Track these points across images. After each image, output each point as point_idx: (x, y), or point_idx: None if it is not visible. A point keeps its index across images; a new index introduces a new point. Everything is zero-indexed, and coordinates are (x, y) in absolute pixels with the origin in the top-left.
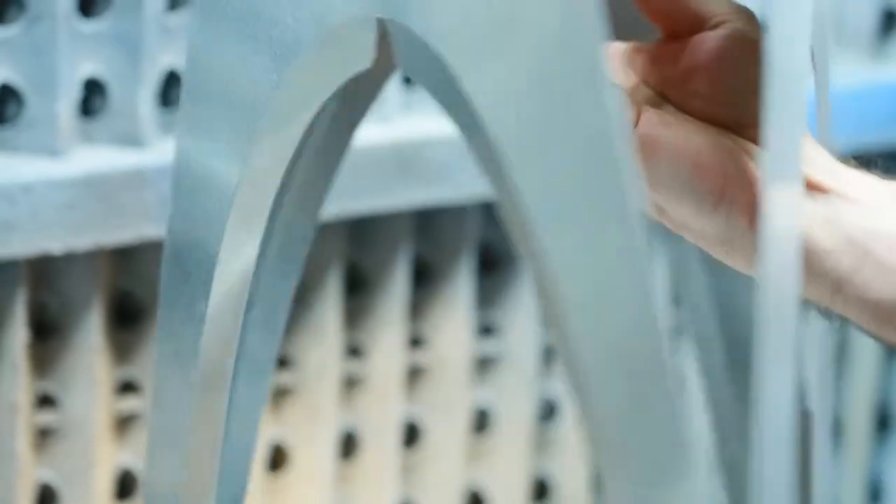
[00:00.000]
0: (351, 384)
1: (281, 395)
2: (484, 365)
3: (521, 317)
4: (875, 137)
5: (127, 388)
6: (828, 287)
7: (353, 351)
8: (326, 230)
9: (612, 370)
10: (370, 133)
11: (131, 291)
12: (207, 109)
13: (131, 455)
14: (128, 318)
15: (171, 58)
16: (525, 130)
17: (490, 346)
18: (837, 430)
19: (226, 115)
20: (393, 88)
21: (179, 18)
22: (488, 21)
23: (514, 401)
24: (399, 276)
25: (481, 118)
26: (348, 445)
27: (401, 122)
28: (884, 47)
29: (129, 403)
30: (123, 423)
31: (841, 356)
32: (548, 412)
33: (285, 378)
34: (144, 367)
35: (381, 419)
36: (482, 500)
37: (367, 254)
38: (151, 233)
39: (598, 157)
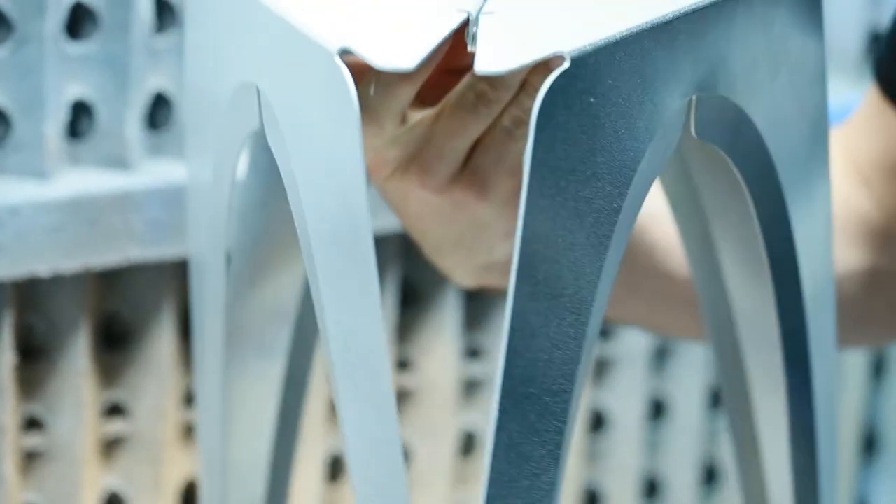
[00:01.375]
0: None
1: None
2: (471, 388)
3: None
4: None
5: (114, 410)
6: None
7: None
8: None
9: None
10: None
11: (118, 314)
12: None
13: (118, 478)
14: (115, 340)
15: (158, 80)
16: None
17: (477, 369)
18: None
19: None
20: None
21: (167, 41)
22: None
23: None
24: (387, 298)
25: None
26: (335, 468)
27: None
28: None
29: (116, 426)
30: (110, 446)
31: None
32: None
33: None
34: (131, 389)
35: None
36: None
37: None
38: (138, 255)
39: None
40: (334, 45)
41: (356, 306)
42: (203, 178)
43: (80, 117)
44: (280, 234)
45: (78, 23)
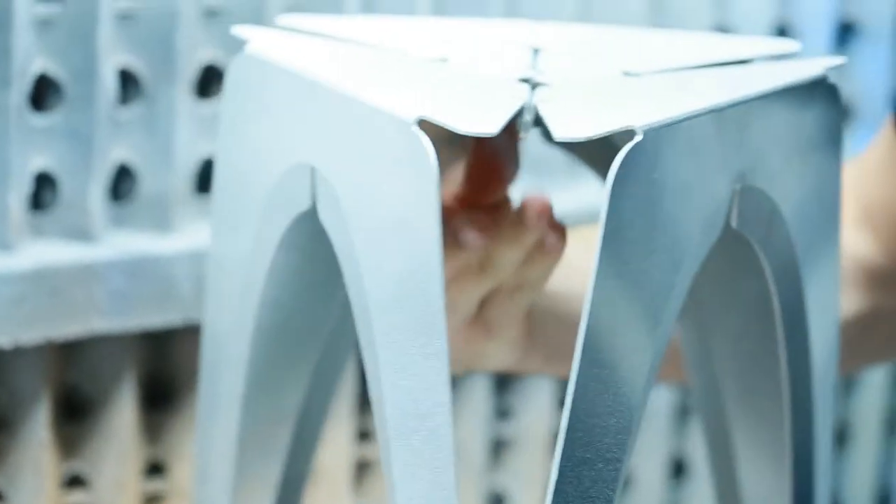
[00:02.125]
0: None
1: None
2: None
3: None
4: None
5: (74, 481)
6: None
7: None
8: None
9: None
10: None
11: (79, 386)
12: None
13: None
14: (75, 412)
15: (122, 152)
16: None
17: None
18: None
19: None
20: None
21: (130, 112)
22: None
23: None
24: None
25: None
26: None
27: None
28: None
29: (76, 497)
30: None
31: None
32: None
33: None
34: (91, 460)
35: None
36: None
37: None
38: (100, 327)
39: None
40: (411, 115)
41: (420, 369)
42: (236, 256)
43: (43, 189)
44: (301, 321)
45: (42, 95)
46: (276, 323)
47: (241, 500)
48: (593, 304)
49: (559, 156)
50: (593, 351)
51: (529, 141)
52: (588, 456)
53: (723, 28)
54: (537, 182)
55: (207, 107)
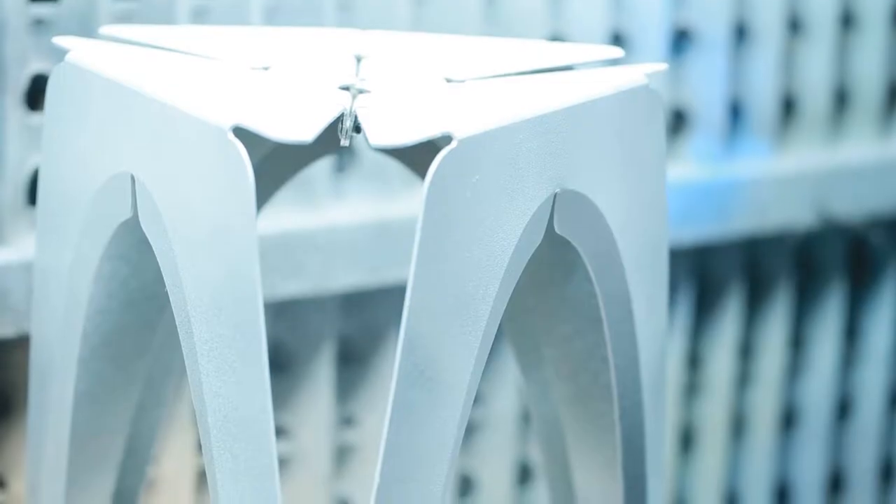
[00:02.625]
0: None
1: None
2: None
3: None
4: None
5: None
6: None
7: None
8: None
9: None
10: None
11: None
12: (57, 210)
13: None
14: None
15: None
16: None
17: (351, 437)
18: None
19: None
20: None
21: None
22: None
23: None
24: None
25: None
26: None
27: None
28: (787, 133)
29: None
30: None
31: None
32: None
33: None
34: (9, 462)
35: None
36: None
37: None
38: (18, 329)
39: None
40: (226, 123)
41: (240, 376)
42: (60, 266)
43: None
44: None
45: None
46: (104, 332)
47: None
48: (411, 311)
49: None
50: (413, 357)
51: (366, 149)
52: (410, 464)
53: (558, 37)
54: (378, 189)
55: (37, 118)
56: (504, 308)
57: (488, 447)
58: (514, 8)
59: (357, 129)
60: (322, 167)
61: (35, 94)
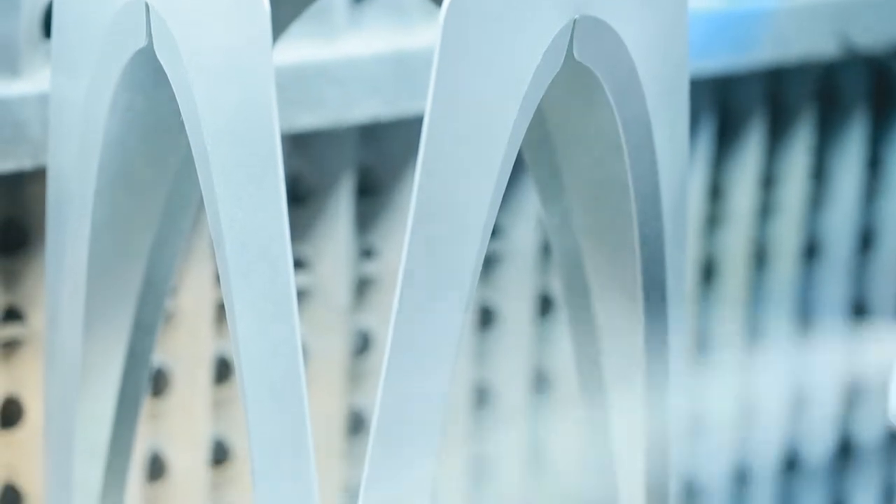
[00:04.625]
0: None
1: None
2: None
3: None
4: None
5: (10, 315)
6: None
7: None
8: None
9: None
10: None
11: (17, 219)
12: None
13: (14, 382)
14: (14, 245)
15: None
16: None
17: (370, 269)
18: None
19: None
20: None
21: None
22: None
23: None
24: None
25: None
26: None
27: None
28: None
29: (14, 331)
30: (8, 349)
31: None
32: None
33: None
34: (28, 294)
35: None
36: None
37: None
38: (35, 162)
39: None
40: None
41: (256, 201)
42: (76, 96)
43: None
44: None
45: None
46: (120, 164)
47: (93, 343)
48: (428, 142)
49: None
50: (430, 188)
51: None
52: (429, 294)
53: None
54: (396, 19)
55: None
56: (522, 137)
57: (508, 279)
58: None
59: None
60: None
61: None
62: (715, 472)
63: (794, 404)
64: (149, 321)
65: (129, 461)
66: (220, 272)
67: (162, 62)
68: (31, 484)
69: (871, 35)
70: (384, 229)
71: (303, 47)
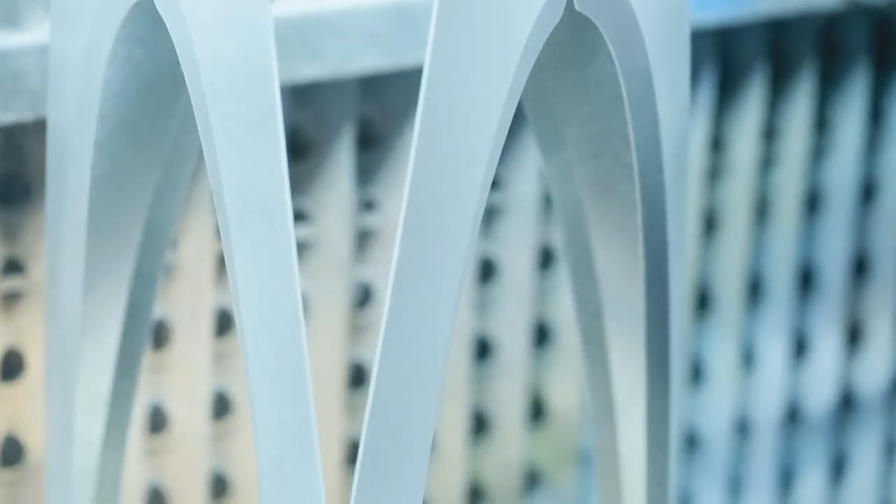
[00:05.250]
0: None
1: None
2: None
3: None
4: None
5: (11, 267)
6: None
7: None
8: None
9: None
10: None
11: (17, 171)
12: None
13: (15, 335)
14: (14, 197)
15: None
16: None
17: (371, 221)
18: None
19: None
20: None
21: None
22: None
23: None
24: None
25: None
26: (223, 323)
27: None
28: None
29: (15, 283)
30: (8, 301)
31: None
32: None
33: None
34: (29, 246)
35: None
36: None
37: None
38: (35, 114)
39: None
40: None
41: (256, 154)
42: (75, 48)
43: None
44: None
45: None
46: (120, 116)
47: (93, 295)
48: (427, 94)
49: None
50: (429, 139)
51: None
52: (429, 245)
53: None
54: None
55: None
56: (522, 89)
57: (509, 231)
58: None
59: None
60: None
61: None
62: (716, 425)
63: (795, 357)
64: (149, 273)
65: (130, 413)
66: (219, 225)
67: (161, 13)
68: (33, 436)
69: None
70: (385, 181)
71: None
